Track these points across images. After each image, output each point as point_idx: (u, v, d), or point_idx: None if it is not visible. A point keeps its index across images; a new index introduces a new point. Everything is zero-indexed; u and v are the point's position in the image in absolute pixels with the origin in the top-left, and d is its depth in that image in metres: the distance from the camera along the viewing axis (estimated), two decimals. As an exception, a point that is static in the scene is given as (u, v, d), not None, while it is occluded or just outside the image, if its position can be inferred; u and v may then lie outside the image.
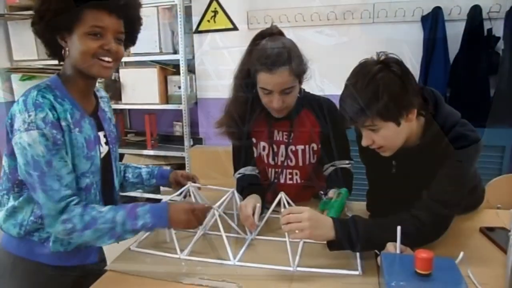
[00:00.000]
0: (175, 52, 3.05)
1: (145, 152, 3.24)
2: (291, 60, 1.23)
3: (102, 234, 1.00)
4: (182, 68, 2.98)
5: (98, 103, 1.20)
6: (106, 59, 1.03)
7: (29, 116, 0.96)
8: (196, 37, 3.08)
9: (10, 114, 1.00)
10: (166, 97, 3.15)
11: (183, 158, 3.14)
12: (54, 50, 1.07)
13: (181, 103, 3.05)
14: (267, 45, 1.25)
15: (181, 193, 1.35)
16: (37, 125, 0.96)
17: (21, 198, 1.05)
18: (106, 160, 1.18)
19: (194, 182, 1.39)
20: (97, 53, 1.01)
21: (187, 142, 3.12)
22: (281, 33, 1.31)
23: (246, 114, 1.37)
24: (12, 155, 1.02)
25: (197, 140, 3.25)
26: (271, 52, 1.22)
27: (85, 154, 1.06)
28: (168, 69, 3.12)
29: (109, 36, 1.02)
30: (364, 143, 1.10)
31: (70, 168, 1.02)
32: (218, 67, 3.04)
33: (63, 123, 1.01)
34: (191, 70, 3.14)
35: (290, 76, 1.23)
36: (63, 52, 1.05)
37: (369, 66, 1.04)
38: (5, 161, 1.05)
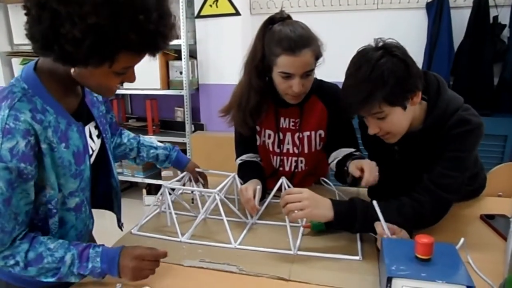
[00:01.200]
0: (177, 37, 3.02)
1: (146, 137, 3.23)
2: (313, 41, 1.21)
3: (46, 272, 0.88)
4: (184, 53, 2.96)
5: (83, 92, 1.03)
6: (119, 85, 0.93)
7: None
8: (198, 22, 3.04)
9: None
10: (167, 83, 3.15)
11: (184, 144, 3.14)
12: (46, 46, 0.77)
13: (182, 89, 3.04)
14: (285, 28, 1.21)
15: (180, 179, 1.36)
16: (1, 156, 0.79)
17: None
18: (102, 155, 1.08)
19: (204, 181, 1.41)
20: (115, 86, 0.90)
21: (188, 127, 3.12)
22: (290, 18, 1.28)
23: (258, 102, 1.33)
24: None
25: (198, 126, 3.25)
26: (293, 34, 1.18)
27: (73, 172, 0.93)
28: (169, 54, 3.10)
29: (133, 69, 0.89)
30: (371, 131, 1.09)
31: (31, 198, 0.88)
32: (220, 52, 3.02)
33: (44, 146, 0.86)
34: (192, 55, 3.12)
35: (312, 57, 1.21)
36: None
37: (370, 52, 1.03)
38: None
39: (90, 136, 1.03)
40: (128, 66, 0.85)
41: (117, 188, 1.19)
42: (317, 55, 1.24)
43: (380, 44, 1.05)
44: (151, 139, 1.42)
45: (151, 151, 1.36)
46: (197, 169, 1.39)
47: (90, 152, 1.02)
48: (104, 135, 1.08)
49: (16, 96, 0.84)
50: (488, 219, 1.23)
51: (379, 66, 0.99)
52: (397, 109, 1.03)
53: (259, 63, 1.27)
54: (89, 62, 0.77)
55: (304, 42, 1.19)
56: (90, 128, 1.03)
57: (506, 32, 2.54)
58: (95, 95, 1.10)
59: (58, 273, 0.89)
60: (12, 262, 0.86)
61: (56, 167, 0.90)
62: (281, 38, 1.20)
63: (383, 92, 0.99)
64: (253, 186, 1.26)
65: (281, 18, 1.26)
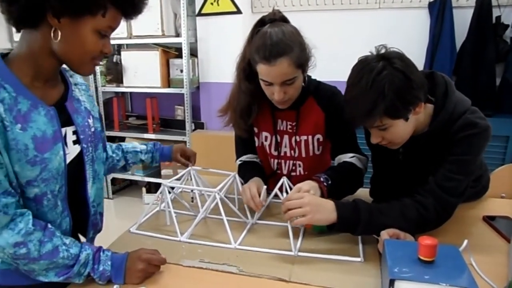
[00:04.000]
0: (178, 35, 3.01)
1: (146, 136, 3.23)
2: (291, 49, 1.13)
3: (54, 268, 0.87)
4: (185, 51, 2.94)
5: (68, 90, 0.99)
6: (99, 61, 0.92)
7: None
8: (199, 20, 3.03)
9: None
10: (168, 81, 3.13)
11: (185, 142, 3.13)
12: (28, 18, 0.82)
13: (183, 87, 3.02)
14: (266, 33, 1.15)
15: (180, 177, 1.35)
16: None
17: None
18: (75, 165, 0.97)
19: (191, 161, 1.40)
20: (96, 56, 0.89)
21: (188, 126, 3.10)
22: (283, 19, 1.23)
23: (248, 104, 1.31)
24: None
25: (198, 124, 3.24)
26: (269, 42, 1.13)
27: (30, 158, 0.84)
28: (170, 52, 3.09)
29: (109, 37, 0.91)
30: (374, 141, 1.08)
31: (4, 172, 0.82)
32: (221, 51, 3.00)
33: None
34: (193, 53, 3.11)
35: (290, 67, 1.14)
36: (36, 26, 0.84)
37: (371, 64, 1.00)
38: None
39: (65, 138, 0.95)
40: (112, 28, 0.88)
41: (96, 217, 1.08)
42: (299, 63, 1.17)
43: (382, 51, 1.03)
44: (133, 143, 1.40)
45: (137, 156, 1.34)
46: (194, 167, 1.38)
47: (67, 151, 0.94)
48: (84, 146, 0.99)
49: None
50: (490, 220, 1.22)
51: (379, 80, 0.96)
52: (399, 121, 1.02)
53: (246, 66, 1.25)
54: (88, 5, 0.81)
55: (280, 51, 1.12)
56: (67, 130, 0.95)
57: (508, 32, 2.52)
58: (87, 105, 1.04)
59: (68, 272, 0.88)
60: (23, 251, 0.83)
61: (9, 150, 0.82)
62: (259, 45, 1.15)
63: (384, 106, 0.97)
64: (256, 184, 1.25)
65: (270, 19, 1.21)
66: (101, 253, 0.93)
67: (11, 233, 0.82)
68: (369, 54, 1.05)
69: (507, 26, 2.51)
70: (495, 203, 1.38)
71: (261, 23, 1.22)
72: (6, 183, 0.83)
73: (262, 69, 1.17)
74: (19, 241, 0.82)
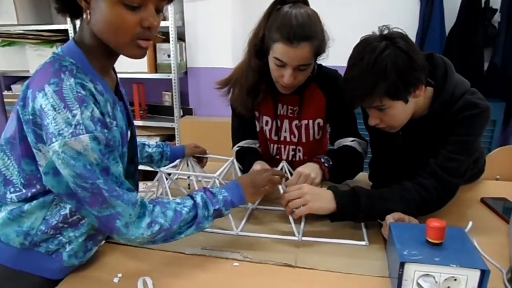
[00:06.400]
0: (164, 18, 2.93)
1: (134, 122, 3.15)
2: (315, 36, 1.11)
3: (184, 225, 0.90)
4: (172, 35, 2.87)
5: (116, 75, 0.99)
6: (145, 41, 0.81)
7: (73, 115, 0.74)
8: (186, 3, 2.95)
9: (31, 109, 0.76)
10: (155, 66, 3.05)
11: (173, 129, 3.08)
12: (67, 5, 0.82)
13: (170, 72, 2.95)
14: (291, 13, 1.11)
15: (176, 164, 1.32)
16: (85, 126, 0.75)
17: (34, 202, 0.84)
18: (132, 147, 1.02)
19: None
20: (135, 32, 0.79)
21: (176, 112, 3.05)
22: (305, 1, 1.19)
23: (257, 82, 1.25)
24: (28, 157, 0.82)
25: (186, 110, 3.18)
26: (295, 22, 1.09)
27: (119, 154, 0.87)
28: (157, 36, 3.00)
29: (150, 6, 0.79)
30: (372, 122, 1.07)
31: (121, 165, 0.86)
32: (209, 35, 2.94)
33: (107, 119, 0.82)
34: (181, 37, 3.03)
35: (310, 53, 1.12)
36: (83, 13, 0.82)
37: (373, 43, 0.98)
38: (12, 161, 0.85)
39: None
40: None
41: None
42: (318, 51, 1.15)
43: (385, 32, 1.01)
44: (141, 139, 1.35)
45: (144, 149, 1.29)
46: (196, 155, 1.36)
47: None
48: (134, 126, 1.04)
49: (72, 68, 0.80)
50: (488, 201, 1.23)
51: (382, 59, 0.95)
52: (399, 102, 1.01)
53: (258, 43, 1.20)
54: None
55: (305, 35, 1.09)
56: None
57: (497, 17, 2.54)
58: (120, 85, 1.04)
59: (195, 219, 0.90)
60: (156, 227, 0.85)
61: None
62: (283, 24, 1.11)
63: (385, 86, 0.96)
64: (260, 165, 1.24)
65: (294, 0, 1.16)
66: (210, 189, 0.96)
67: (141, 219, 0.84)
68: (371, 34, 1.03)
69: (496, 10, 2.52)
70: (491, 185, 1.40)
71: (281, 1, 1.17)
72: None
73: (281, 49, 1.12)
74: (149, 221, 0.85)
